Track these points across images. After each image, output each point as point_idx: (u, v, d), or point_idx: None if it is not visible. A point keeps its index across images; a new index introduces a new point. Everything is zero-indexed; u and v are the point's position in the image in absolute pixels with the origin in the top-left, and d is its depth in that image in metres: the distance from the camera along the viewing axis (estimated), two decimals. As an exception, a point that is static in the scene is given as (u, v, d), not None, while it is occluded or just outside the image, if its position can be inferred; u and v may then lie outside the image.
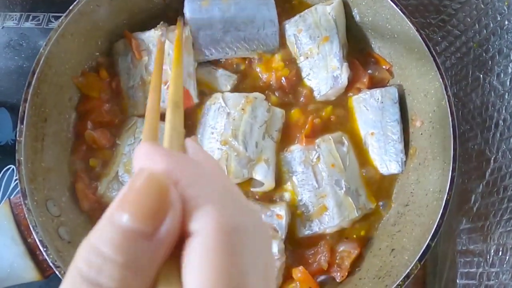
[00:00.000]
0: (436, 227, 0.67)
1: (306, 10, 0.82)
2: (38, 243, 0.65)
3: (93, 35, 0.79)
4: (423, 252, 0.67)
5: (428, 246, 0.67)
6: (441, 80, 0.71)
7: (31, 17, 1.01)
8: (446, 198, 0.68)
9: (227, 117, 0.75)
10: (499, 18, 0.85)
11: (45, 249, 0.65)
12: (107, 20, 0.80)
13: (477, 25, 0.90)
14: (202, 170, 0.29)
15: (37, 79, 0.71)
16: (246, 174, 0.74)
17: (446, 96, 0.71)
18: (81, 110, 0.79)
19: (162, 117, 0.39)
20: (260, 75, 0.80)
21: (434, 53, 0.72)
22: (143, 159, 0.28)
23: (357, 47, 0.85)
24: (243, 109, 0.75)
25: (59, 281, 0.65)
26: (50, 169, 0.73)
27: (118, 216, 0.24)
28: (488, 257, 0.82)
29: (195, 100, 0.79)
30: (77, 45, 0.77)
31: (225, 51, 0.80)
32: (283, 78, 0.79)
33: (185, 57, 0.79)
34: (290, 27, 0.83)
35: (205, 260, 0.24)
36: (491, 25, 0.87)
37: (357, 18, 0.82)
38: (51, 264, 0.65)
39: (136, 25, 0.84)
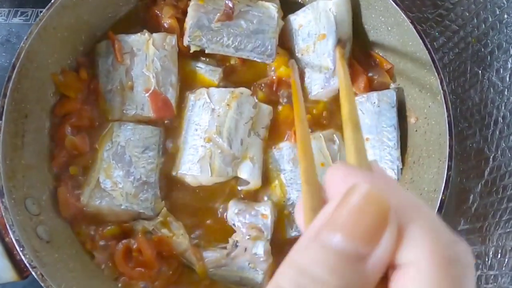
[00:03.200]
0: (430, 228, 0.64)
1: (308, 5, 0.79)
2: (15, 242, 0.62)
3: (76, 30, 0.77)
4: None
5: (422, 247, 0.64)
6: (436, 74, 0.68)
7: (19, 13, 0.99)
8: (441, 198, 0.65)
9: (211, 113, 0.73)
10: (498, 12, 0.82)
11: (21, 248, 0.62)
12: (91, 14, 0.77)
13: (475, 19, 0.87)
14: (410, 196, 0.26)
15: (17, 73, 0.68)
16: (231, 172, 0.71)
17: (441, 91, 0.68)
18: (59, 113, 0.75)
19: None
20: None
21: (429, 46, 0.69)
22: (344, 181, 0.25)
23: (359, 48, 0.81)
24: (228, 104, 0.72)
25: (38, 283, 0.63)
26: (30, 166, 0.70)
27: (329, 236, 0.22)
28: (486, 260, 0.79)
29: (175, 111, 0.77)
30: (60, 39, 0.74)
31: (219, 43, 0.76)
32: (290, 79, 0.76)
33: (170, 67, 0.77)
34: (294, 20, 0.80)
35: None
36: (490, 19, 0.84)
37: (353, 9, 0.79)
38: (27, 265, 0.62)
39: (122, 20, 0.82)
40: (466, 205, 0.85)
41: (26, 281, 0.76)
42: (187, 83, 0.78)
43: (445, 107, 0.67)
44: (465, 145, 0.87)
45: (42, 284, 0.62)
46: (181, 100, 0.78)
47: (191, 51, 0.76)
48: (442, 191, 0.65)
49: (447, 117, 0.67)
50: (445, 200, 0.65)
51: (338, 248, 0.22)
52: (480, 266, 0.80)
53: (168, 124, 0.77)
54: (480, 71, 0.86)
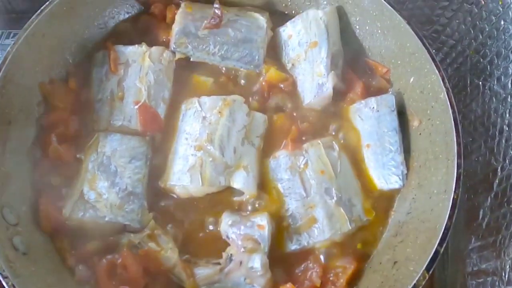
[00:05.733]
0: (444, 230, 0.59)
1: (297, 16, 0.79)
2: (-15, 251, 0.57)
3: (66, 39, 0.76)
4: (431, 259, 0.58)
5: (436, 252, 0.58)
6: (437, 72, 0.66)
7: (12, 35, 0.99)
8: (453, 197, 0.60)
9: (202, 121, 0.69)
10: (494, 20, 0.81)
11: (-8, 257, 0.56)
12: (81, 24, 0.77)
13: (472, 31, 0.86)
14: None
15: (3, 78, 0.66)
16: (223, 181, 0.67)
17: (444, 89, 0.65)
18: (45, 122, 0.72)
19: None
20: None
21: (427, 44, 0.67)
22: None
23: (352, 57, 0.79)
24: (220, 112, 0.69)
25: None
26: (10, 174, 0.66)
27: None
28: (503, 274, 0.72)
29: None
30: (49, 47, 0.73)
31: (205, 51, 0.75)
32: (281, 85, 0.75)
33: (164, 81, 0.75)
34: (283, 32, 0.80)
35: None
36: (487, 28, 0.83)
37: (344, 18, 0.78)
38: (-2, 275, 0.56)
39: (115, 34, 0.81)
40: (476, 222, 0.80)
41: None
42: (182, 92, 0.76)
43: (449, 103, 0.64)
44: (470, 160, 0.83)
45: (14, 298, 0.56)
46: (174, 113, 0.75)
47: (176, 59, 0.75)
48: (453, 190, 0.60)
49: (452, 113, 0.64)
50: (457, 200, 0.60)
51: None
52: (497, 283, 0.73)
53: (156, 137, 0.73)
54: (480, 82, 0.84)
